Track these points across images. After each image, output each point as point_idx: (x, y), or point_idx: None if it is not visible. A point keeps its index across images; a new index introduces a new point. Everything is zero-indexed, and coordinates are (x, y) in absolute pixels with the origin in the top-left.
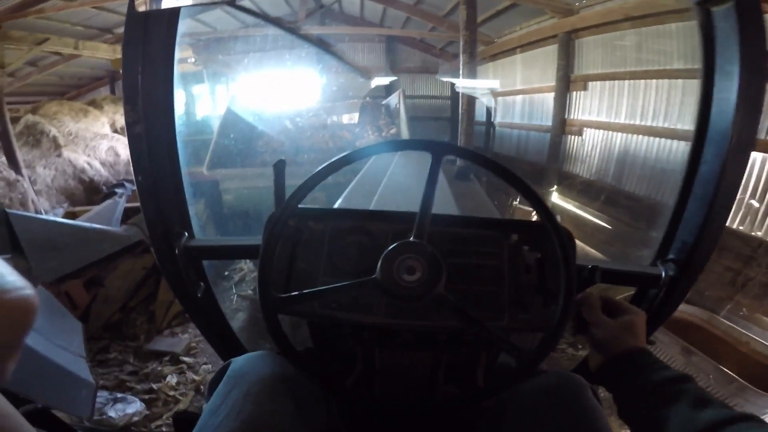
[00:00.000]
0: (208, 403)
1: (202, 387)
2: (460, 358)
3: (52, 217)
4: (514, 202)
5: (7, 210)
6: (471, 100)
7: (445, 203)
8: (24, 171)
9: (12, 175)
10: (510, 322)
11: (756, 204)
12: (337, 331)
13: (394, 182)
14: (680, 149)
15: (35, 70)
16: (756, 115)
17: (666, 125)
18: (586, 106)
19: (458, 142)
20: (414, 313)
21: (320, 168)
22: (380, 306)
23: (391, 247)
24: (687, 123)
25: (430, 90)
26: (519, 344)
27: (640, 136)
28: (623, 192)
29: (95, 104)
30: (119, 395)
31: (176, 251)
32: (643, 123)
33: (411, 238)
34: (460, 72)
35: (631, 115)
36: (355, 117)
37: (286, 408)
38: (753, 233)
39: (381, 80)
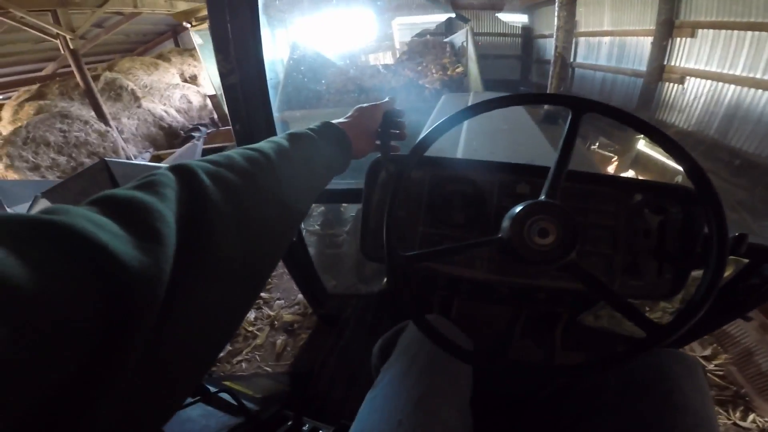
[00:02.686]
0: (393, 362)
1: (276, 322)
2: (538, 314)
3: (143, 162)
4: (592, 146)
5: (106, 158)
6: (567, 40)
7: (539, 148)
8: (111, 123)
9: (102, 127)
10: (621, 288)
11: None
12: (432, 284)
13: (475, 131)
14: None
15: (102, 31)
16: None
17: None
18: (692, 53)
19: (548, 86)
20: (518, 271)
21: (450, 116)
22: (483, 261)
23: (524, 205)
24: None
25: (494, 28)
26: None
27: (760, 91)
28: (727, 147)
29: (163, 57)
30: None
31: None
32: (766, 78)
33: (542, 198)
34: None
35: (750, 68)
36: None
37: (457, 368)
38: None
39: (439, 17)
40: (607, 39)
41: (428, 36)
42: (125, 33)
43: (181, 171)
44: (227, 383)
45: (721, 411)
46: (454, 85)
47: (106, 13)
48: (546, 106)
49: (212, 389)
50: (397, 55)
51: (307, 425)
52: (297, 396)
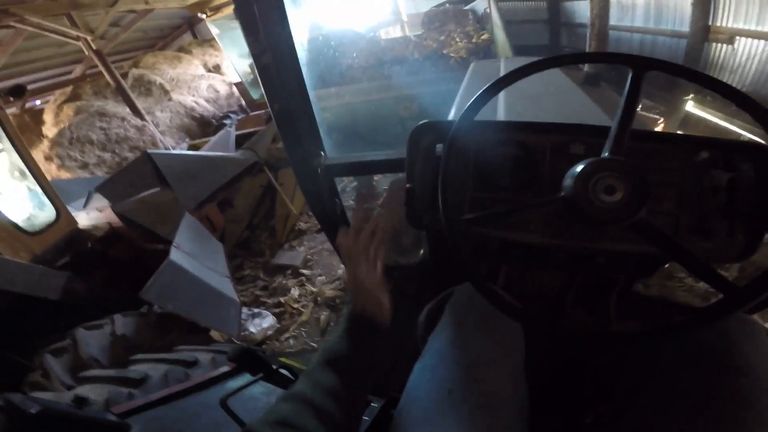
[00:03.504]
0: (441, 331)
1: (318, 299)
2: (592, 282)
3: (182, 151)
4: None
5: (149, 150)
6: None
7: (586, 110)
8: (146, 117)
9: (139, 122)
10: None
11: None
12: (483, 250)
13: (515, 96)
14: None
15: (120, 30)
16: None
17: None
18: (739, 13)
19: (588, 49)
20: (576, 233)
21: (502, 77)
22: (538, 224)
23: (588, 162)
24: None
25: None
26: None
27: None
28: None
29: (184, 50)
30: (255, 310)
31: (318, 171)
32: None
33: (605, 154)
34: None
35: None
36: (438, 26)
37: (509, 335)
38: None
39: None
40: None
41: (447, 5)
42: (143, 30)
43: None
44: (282, 359)
45: None
46: (481, 52)
47: (120, 12)
48: (586, 68)
49: (273, 366)
50: (406, 30)
51: None
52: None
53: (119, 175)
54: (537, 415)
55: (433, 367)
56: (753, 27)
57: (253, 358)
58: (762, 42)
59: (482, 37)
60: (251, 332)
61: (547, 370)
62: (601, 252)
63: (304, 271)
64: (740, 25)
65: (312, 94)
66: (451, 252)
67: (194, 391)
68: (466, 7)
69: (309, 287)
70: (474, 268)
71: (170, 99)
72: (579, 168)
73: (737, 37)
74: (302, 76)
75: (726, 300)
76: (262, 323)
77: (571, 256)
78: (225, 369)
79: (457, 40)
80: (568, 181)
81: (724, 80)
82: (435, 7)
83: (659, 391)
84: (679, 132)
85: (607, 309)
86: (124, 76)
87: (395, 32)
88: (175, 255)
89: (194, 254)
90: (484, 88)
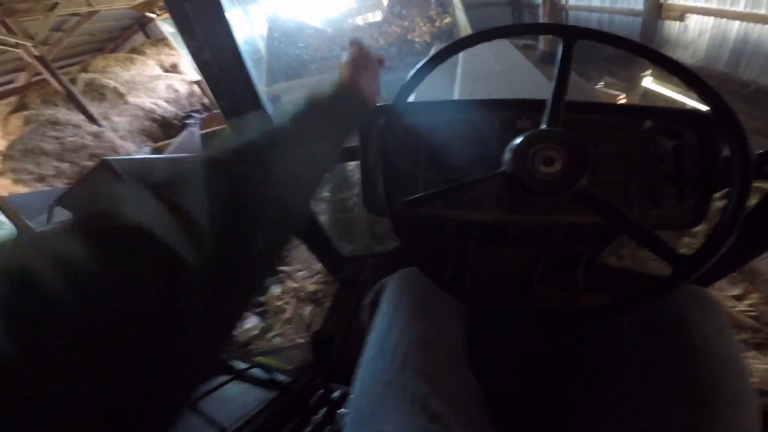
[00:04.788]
0: (377, 323)
1: (301, 294)
2: (558, 257)
3: (144, 156)
4: (597, 86)
5: (106, 158)
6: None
7: (538, 86)
8: (103, 122)
9: (95, 128)
10: (641, 218)
11: None
12: (441, 231)
13: (471, 72)
14: None
15: (64, 34)
16: None
17: None
18: None
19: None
20: (529, 207)
21: (431, 56)
22: (491, 201)
23: (525, 135)
24: None
25: None
26: None
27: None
28: (738, 80)
29: (137, 51)
30: None
31: None
32: None
33: (543, 126)
34: None
35: (753, 4)
36: (405, 11)
37: (447, 320)
38: None
39: None
40: None
41: None
42: (89, 32)
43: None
44: (260, 359)
45: (757, 355)
46: (444, 36)
47: (61, 16)
48: (542, 46)
49: (243, 366)
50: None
51: (338, 391)
52: (323, 363)
53: (78, 185)
54: (497, 399)
55: (373, 360)
56: (702, 4)
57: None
58: (711, 18)
59: (445, 21)
60: (233, 335)
61: (506, 355)
62: (556, 225)
63: (283, 268)
64: (690, 3)
65: (266, 89)
66: (401, 239)
67: None
68: (514, 24)
69: (290, 283)
70: (419, 251)
71: (126, 102)
72: (517, 141)
73: (688, 14)
74: (247, 69)
75: (674, 271)
76: (245, 324)
77: (527, 232)
78: None
79: (421, 24)
80: (507, 155)
81: (680, 55)
82: None
83: (619, 378)
84: (623, 103)
85: (574, 284)
86: (73, 81)
87: (376, 18)
88: None
89: None
90: (415, 69)
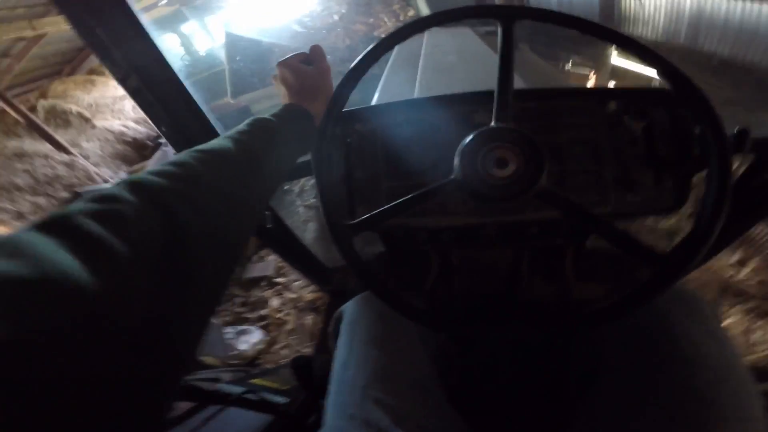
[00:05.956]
0: (337, 354)
1: (300, 304)
2: (544, 251)
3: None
4: (566, 66)
5: (79, 190)
6: None
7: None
8: (73, 150)
9: (65, 156)
10: (617, 206)
11: None
12: (414, 240)
13: (431, 66)
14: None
15: (13, 60)
16: None
17: None
18: None
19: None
20: (497, 208)
21: (359, 58)
22: (457, 206)
23: (470, 137)
24: None
25: None
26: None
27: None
28: (700, 51)
29: (96, 72)
30: (240, 328)
31: None
32: None
33: (492, 123)
34: None
35: None
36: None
37: (405, 346)
38: None
39: None
40: None
41: None
42: (41, 56)
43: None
44: (255, 381)
45: (766, 324)
46: None
47: (4, 42)
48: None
49: (238, 390)
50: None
51: None
52: (307, 387)
53: None
54: (479, 415)
55: (335, 394)
56: None
57: (195, 393)
58: None
59: (409, 14)
60: (242, 350)
61: (483, 371)
62: (530, 223)
63: (279, 280)
64: None
65: (233, 102)
66: (348, 264)
67: None
68: (443, 11)
69: (287, 294)
70: (371, 277)
71: (94, 126)
72: (464, 143)
73: None
74: (185, 89)
75: (655, 274)
76: (251, 339)
77: (501, 231)
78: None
79: (386, 20)
80: (456, 160)
81: (639, 32)
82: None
83: (608, 390)
84: (582, 86)
85: (564, 275)
86: (33, 109)
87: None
88: None
89: None
90: (346, 73)
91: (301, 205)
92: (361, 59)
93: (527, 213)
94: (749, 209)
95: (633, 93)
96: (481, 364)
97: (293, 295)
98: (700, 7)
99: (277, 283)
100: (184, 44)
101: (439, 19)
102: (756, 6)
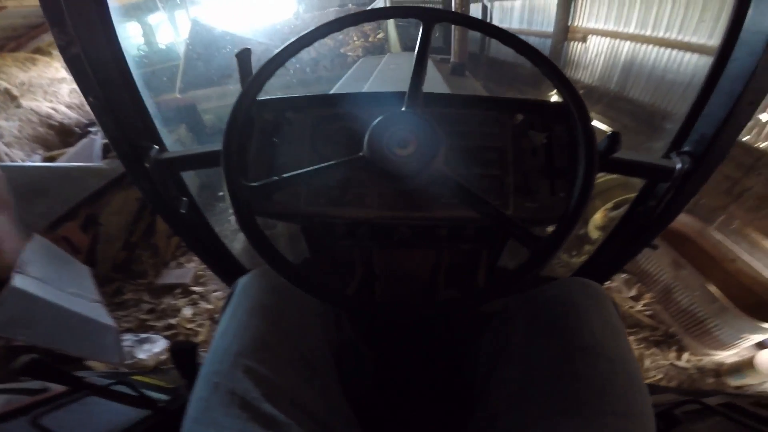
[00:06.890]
0: (218, 325)
1: (215, 316)
2: (461, 261)
3: (29, 163)
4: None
5: None
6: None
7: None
8: None
9: None
10: (516, 211)
11: (766, 118)
12: (331, 233)
13: (380, 82)
14: (691, 61)
15: None
16: None
17: (680, 38)
18: (592, 13)
19: (452, 49)
20: (410, 204)
21: (288, 43)
22: (373, 198)
23: (380, 118)
24: (703, 37)
25: None
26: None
27: (650, 47)
28: (626, 98)
29: (41, 51)
30: (143, 335)
31: (147, 165)
32: (654, 34)
33: (402, 109)
34: None
35: (642, 25)
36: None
37: (295, 320)
38: (757, 145)
39: None
40: (518, 2)
41: (350, 5)
42: None
43: None
44: (136, 377)
45: (657, 352)
46: (376, 50)
47: None
48: (453, 59)
49: (105, 382)
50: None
51: None
52: (188, 377)
53: None
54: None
55: (207, 363)
56: (601, 26)
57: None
58: (607, 39)
59: (378, 36)
60: (141, 359)
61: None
62: (439, 222)
63: (196, 288)
64: (592, 25)
65: (180, 97)
66: (243, 231)
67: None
68: (368, 9)
69: (203, 305)
70: (270, 250)
71: (18, 106)
72: (374, 124)
73: (590, 36)
74: (127, 65)
75: (532, 255)
76: (153, 348)
77: (414, 230)
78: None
79: (355, 39)
80: (365, 139)
81: (579, 76)
82: (338, 7)
83: (511, 377)
84: (494, 96)
85: (474, 286)
86: None
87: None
88: (20, 281)
89: (49, 279)
90: (262, 65)
91: (233, 214)
92: (283, 50)
93: (436, 211)
94: (636, 235)
95: (539, 106)
96: (379, 355)
97: (209, 306)
98: (633, 56)
99: (194, 292)
100: (146, 34)
101: (367, 16)
102: (678, 54)
